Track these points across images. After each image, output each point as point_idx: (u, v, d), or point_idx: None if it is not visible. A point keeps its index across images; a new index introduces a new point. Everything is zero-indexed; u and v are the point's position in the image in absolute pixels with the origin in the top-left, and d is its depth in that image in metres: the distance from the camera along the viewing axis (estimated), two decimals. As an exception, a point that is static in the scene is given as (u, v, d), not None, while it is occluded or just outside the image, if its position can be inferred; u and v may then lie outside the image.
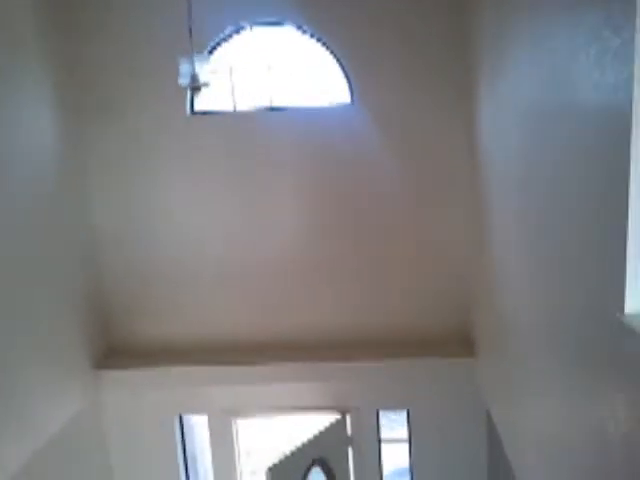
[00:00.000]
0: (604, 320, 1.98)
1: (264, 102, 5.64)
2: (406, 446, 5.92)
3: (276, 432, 8.75)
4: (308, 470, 5.56)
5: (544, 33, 2.69)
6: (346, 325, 5.75)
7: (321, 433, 5.64)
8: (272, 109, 5.60)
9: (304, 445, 5.51)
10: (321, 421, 5.74)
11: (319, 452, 5.63)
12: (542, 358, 3.03)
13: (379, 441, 5.90)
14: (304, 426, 6.36)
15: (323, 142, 5.49)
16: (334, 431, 5.74)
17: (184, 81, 3.91)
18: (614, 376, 1.95)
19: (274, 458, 5.33)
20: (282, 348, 5.72)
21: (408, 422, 5.85)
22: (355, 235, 5.63)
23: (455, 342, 5.63)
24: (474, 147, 4.97)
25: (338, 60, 5.41)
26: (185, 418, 6.06)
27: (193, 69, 3.83)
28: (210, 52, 5.38)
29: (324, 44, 5.40)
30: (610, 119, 1.87)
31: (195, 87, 3.92)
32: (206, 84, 3.95)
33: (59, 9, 5.22)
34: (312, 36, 5.42)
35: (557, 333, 2.69)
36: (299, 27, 5.41)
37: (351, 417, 5.82)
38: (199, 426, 6.32)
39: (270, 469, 5.21)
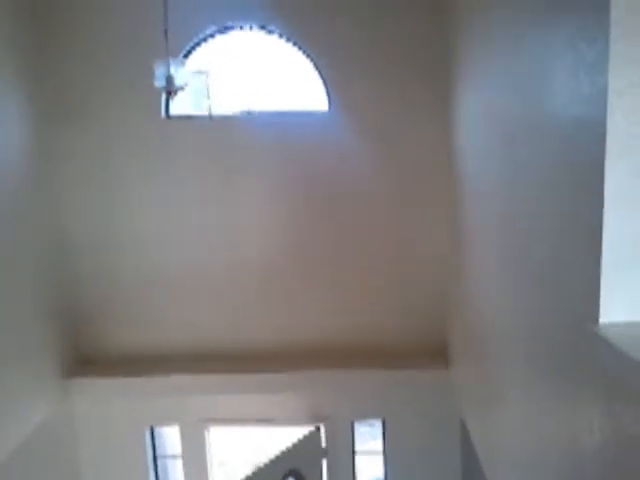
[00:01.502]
0: (578, 330, 1.96)
1: (241, 106, 5.59)
2: (381, 458, 5.87)
3: (250, 443, 8.64)
4: (282, 481, 5.48)
5: (522, 41, 2.69)
6: (322, 335, 5.69)
7: (295, 444, 5.57)
8: (249, 113, 5.55)
9: (278, 457, 5.43)
10: (296, 432, 5.67)
11: (293, 463, 5.55)
12: (516, 369, 3.01)
13: (353, 452, 5.84)
14: (278, 437, 6.27)
15: (301, 147, 5.45)
16: (308, 442, 5.67)
17: (159, 84, 3.86)
18: (589, 386, 1.93)
19: (248, 470, 5.24)
20: (255, 357, 5.64)
21: (383, 432, 5.80)
22: (332, 242, 5.59)
23: (430, 353, 5.60)
24: (453, 153, 4.97)
25: (315, 65, 5.39)
26: (157, 427, 5.94)
27: (168, 71, 3.78)
28: (186, 56, 5.32)
29: (302, 49, 5.38)
30: (585, 130, 1.87)
31: (171, 90, 3.86)
32: (181, 87, 3.90)
33: (30, 12, 5.12)
34: (289, 41, 5.39)
35: (531, 344, 2.67)
36: (275, 31, 5.38)
37: (326, 428, 5.76)
38: (171, 436, 6.20)
39: (243, 481, 5.12)
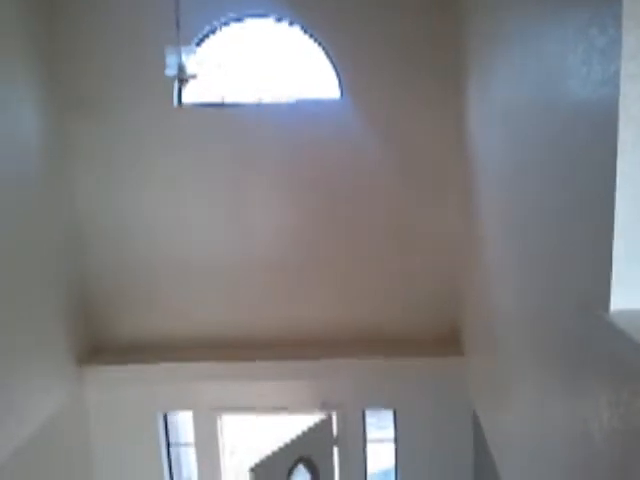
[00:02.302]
0: (589, 318, 1.95)
1: (253, 95, 5.58)
2: (392, 446, 5.89)
3: (262, 431, 8.70)
4: (293, 468, 5.51)
5: (532, 30, 2.66)
6: (333, 323, 5.70)
7: (306, 432, 5.59)
8: (261, 102, 5.54)
9: (289, 444, 5.46)
10: (307, 420, 5.70)
11: (304, 450, 5.58)
12: (527, 357, 3.00)
13: (364, 440, 5.86)
14: (290, 425, 6.30)
15: (312, 136, 5.44)
16: (320, 430, 5.70)
17: (171, 72, 3.87)
18: (598, 375, 1.92)
19: (258, 457, 5.27)
20: (268, 345, 5.67)
21: (395, 422, 5.81)
22: (343, 232, 5.59)
23: (443, 341, 5.60)
24: (463, 143, 4.95)
25: (327, 54, 5.37)
26: (169, 414, 5.99)
27: (180, 60, 3.79)
28: (198, 44, 5.32)
29: (314, 38, 5.36)
30: (597, 115, 1.85)
31: (182, 79, 3.87)
32: (193, 76, 3.90)
33: (42, 4, 5.14)
34: (302, 29, 5.37)
35: (542, 332, 2.66)
36: (289, 20, 5.36)
37: (337, 416, 5.78)
38: (183, 422, 6.25)
39: (253, 469, 5.14)
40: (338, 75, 5.37)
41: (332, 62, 5.37)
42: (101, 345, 5.83)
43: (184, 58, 3.78)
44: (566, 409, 2.34)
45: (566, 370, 2.31)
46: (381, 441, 6.25)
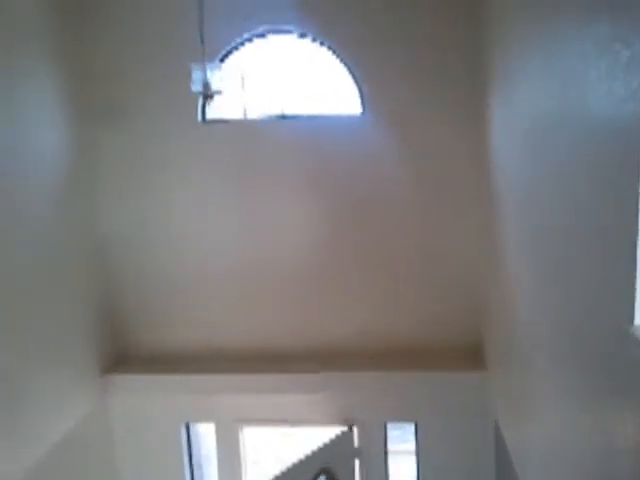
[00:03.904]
0: (614, 332, 1.95)
1: (275, 110, 5.65)
2: (413, 459, 5.86)
3: (283, 442, 8.70)
4: (314, 480, 5.52)
5: (555, 45, 2.68)
6: (355, 335, 5.71)
7: (327, 444, 5.59)
8: (283, 117, 5.61)
9: (310, 455, 5.46)
10: (328, 433, 5.70)
11: (325, 462, 5.57)
12: (551, 371, 2.99)
13: (386, 453, 5.84)
14: (311, 437, 6.30)
15: (334, 151, 5.49)
16: (341, 442, 5.69)
17: (196, 88, 3.94)
18: (624, 389, 1.92)
19: (279, 468, 5.28)
20: (290, 357, 5.70)
21: (416, 435, 5.79)
22: (364, 244, 5.61)
23: (464, 354, 5.57)
24: (485, 158, 4.95)
25: (349, 70, 5.42)
26: (192, 425, 6.04)
27: (205, 76, 3.86)
28: (222, 60, 5.41)
29: (336, 54, 5.42)
30: (620, 132, 1.86)
31: (207, 94, 3.94)
32: (218, 92, 3.98)
33: (72, 15, 5.27)
34: (324, 45, 5.43)
35: (567, 345, 2.66)
36: (311, 37, 5.43)
37: (358, 429, 5.77)
38: (206, 434, 6.29)
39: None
40: (360, 91, 5.42)
41: (354, 78, 5.42)
42: (125, 355, 5.90)
43: (209, 74, 3.86)
44: (591, 422, 2.33)
45: (591, 383, 2.31)
46: (402, 453, 6.23)
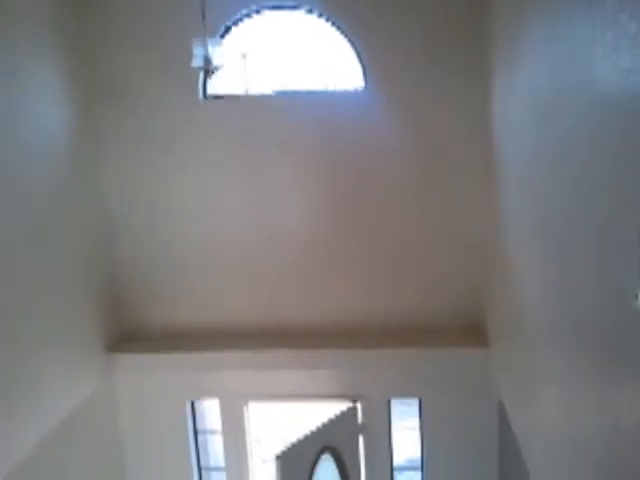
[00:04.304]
0: (619, 308, 1.93)
1: (277, 86, 5.60)
2: (417, 435, 5.90)
3: (287, 420, 8.77)
4: (318, 457, 5.56)
5: (560, 16, 2.63)
6: (359, 312, 5.72)
7: (332, 421, 5.63)
8: (285, 93, 5.55)
9: (314, 432, 5.50)
10: (332, 409, 5.73)
11: (329, 440, 5.62)
12: (556, 348, 2.98)
13: (390, 429, 5.88)
14: (315, 414, 6.34)
15: (336, 126, 5.44)
16: (345, 419, 5.73)
17: (197, 63, 3.90)
18: (628, 365, 1.90)
19: (283, 445, 5.33)
20: (294, 334, 5.71)
21: (420, 411, 5.82)
22: (367, 220, 5.59)
23: (468, 331, 5.58)
24: (489, 132, 4.90)
25: (352, 44, 5.34)
26: (197, 402, 6.08)
27: (206, 51, 3.81)
28: (222, 36, 5.34)
29: (338, 27, 5.34)
30: (626, 104, 1.82)
31: (208, 70, 3.90)
32: (219, 67, 3.93)
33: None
34: (327, 19, 5.35)
35: (572, 322, 2.64)
36: (313, 10, 5.35)
37: (362, 405, 5.80)
38: (211, 410, 6.34)
39: (278, 457, 5.20)
40: (362, 64, 5.36)
41: (357, 52, 5.35)
42: (130, 333, 5.92)
43: (210, 50, 3.81)
44: (594, 399, 2.32)
45: (595, 359, 2.30)
46: (407, 430, 6.27)
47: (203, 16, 4.03)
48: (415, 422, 5.95)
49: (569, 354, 2.72)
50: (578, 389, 2.59)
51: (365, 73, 5.35)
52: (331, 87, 5.51)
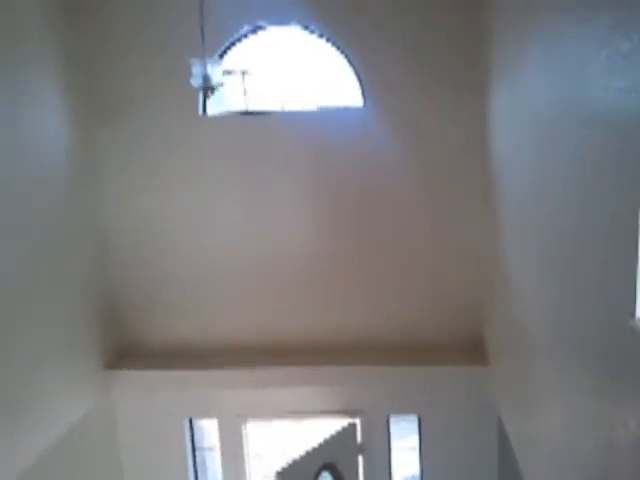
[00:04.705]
0: (616, 325, 1.94)
1: (276, 104, 5.64)
2: (416, 454, 5.86)
3: (286, 436, 8.71)
4: (317, 475, 5.52)
5: (556, 35, 2.67)
6: (358, 329, 5.71)
7: (331, 438, 5.60)
8: (284, 111, 5.59)
9: (314, 450, 5.47)
10: (331, 425, 5.70)
11: (329, 457, 5.58)
12: (554, 366, 2.98)
13: (389, 447, 5.85)
14: (314, 431, 6.31)
15: (335, 144, 5.47)
16: (344, 436, 5.70)
17: (196, 82, 3.92)
18: (625, 382, 1.91)
19: (283, 462, 5.30)
20: (292, 351, 5.69)
21: (419, 429, 5.79)
22: (367, 238, 5.60)
23: (468, 348, 5.56)
24: (489, 151, 4.93)
25: (350, 62, 5.39)
26: (195, 420, 6.05)
27: (205, 71, 3.84)
28: (222, 54, 5.38)
29: (336, 46, 5.39)
30: (621, 123, 1.84)
31: (207, 88, 3.93)
32: (218, 86, 3.96)
33: (73, 10, 5.24)
34: (324, 37, 5.40)
35: (569, 341, 2.65)
36: (310, 28, 5.40)
37: (361, 423, 5.78)
38: (209, 428, 6.31)
39: (279, 473, 5.18)
40: (361, 83, 5.40)
41: (355, 70, 5.40)
42: (128, 350, 5.90)
43: (209, 69, 3.84)
44: (593, 415, 2.32)
45: (593, 376, 2.30)
46: (406, 449, 6.24)
47: (202, 36, 4.07)
48: (414, 440, 5.92)
49: (568, 371, 2.72)
50: (577, 406, 2.59)
51: (363, 91, 5.39)
52: (330, 105, 5.53)
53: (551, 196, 2.90)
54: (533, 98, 3.24)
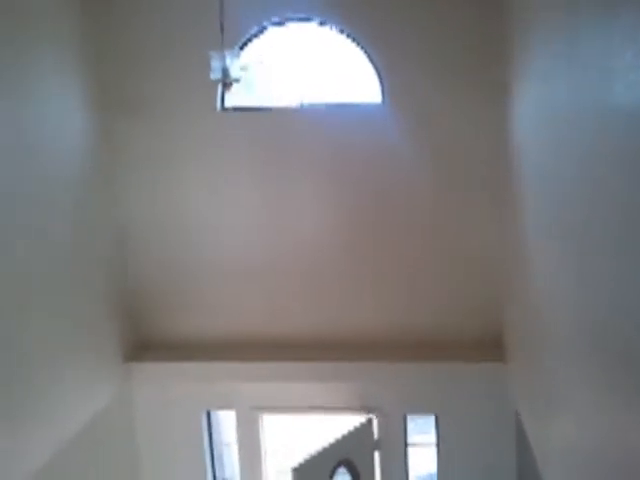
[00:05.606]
0: (637, 326, 1.90)
1: (294, 99, 5.63)
2: (434, 450, 5.83)
3: (303, 432, 8.72)
4: (334, 471, 5.51)
5: (580, 34, 2.62)
6: (375, 325, 5.69)
7: (347, 434, 5.59)
8: (302, 106, 5.58)
9: (330, 446, 5.46)
10: (348, 422, 5.69)
11: (345, 453, 5.57)
12: (577, 364, 2.93)
13: (406, 445, 5.82)
14: (331, 427, 6.30)
15: (353, 140, 5.45)
16: (361, 433, 5.69)
17: (215, 76, 3.92)
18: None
19: (300, 458, 5.30)
20: (311, 346, 5.69)
21: (436, 426, 5.75)
22: (383, 233, 5.57)
23: (486, 345, 5.51)
24: (507, 146, 4.87)
25: (370, 58, 5.36)
26: (213, 413, 6.08)
27: (224, 64, 3.84)
28: (241, 48, 5.38)
29: (356, 41, 5.36)
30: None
31: (226, 82, 3.92)
32: (237, 79, 3.95)
33: (91, 4, 5.27)
34: (344, 33, 5.38)
35: (590, 340, 2.60)
36: (330, 23, 5.38)
37: (378, 420, 5.75)
38: (226, 421, 6.33)
39: (295, 469, 5.18)
40: (380, 79, 5.36)
41: (374, 66, 5.36)
42: (148, 342, 5.95)
43: (228, 62, 3.83)
44: (613, 418, 2.28)
45: (616, 377, 2.25)
46: (423, 445, 6.20)
47: (221, 29, 4.06)
48: (431, 437, 5.88)
49: (588, 369, 2.67)
50: (597, 405, 2.54)
51: (382, 86, 5.36)
52: (349, 100, 5.51)
53: (572, 194, 2.86)
54: (556, 96, 3.19)
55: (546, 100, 3.46)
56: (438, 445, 5.77)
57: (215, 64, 3.88)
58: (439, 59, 5.24)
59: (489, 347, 5.49)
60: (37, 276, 4.37)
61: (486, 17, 5.08)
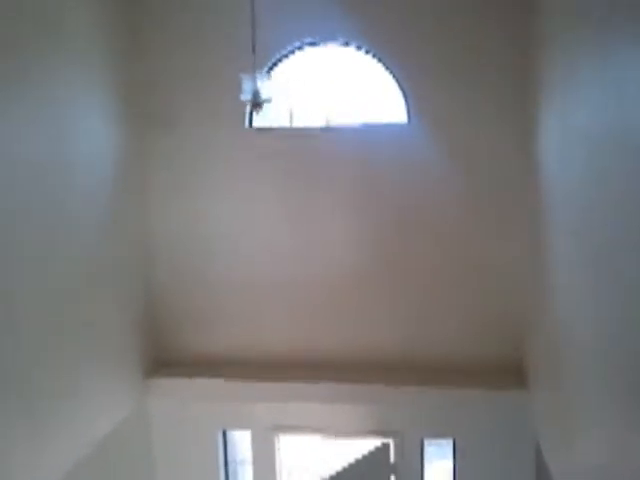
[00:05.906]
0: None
1: (321, 119, 5.68)
2: (450, 476, 5.75)
3: (318, 453, 8.66)
4: (349, 494, 5.47)
5: (612, 53, 2.62)
6: (394, 348, 5.66)
7: (363, 457, 5.54)
8: (329, 126, 5.62)
9: (345, 469, 5.42)
10: (364, 445, 5.64)
11: (361, 477, 5.52)
12: (603, 394, 2.89)
13: (422, 470, 5.75)
14: (347, 449, 6.26)
15: (380, 160, 5.48)
16: (377, 456, 5.63)
17: (246, 97, 3.98)
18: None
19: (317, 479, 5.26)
20: (329, 367, 5.68)
21: (454, 452, 5.68)
22: (406, 256, 5.56)
23: (506, 372, 5.45)
24: (536, 167, 4.86)
25: (396, 79, 5.40)
26: (229, 432, 6.06)
27: (255, 85, 3.90)
28: (270, 69, 5.46)
29: (382, 62, 5.41)
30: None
31: (256, 104, 3.97)
32: (267, 100, 4.01)
33: (123, 23, 5.37)
34: (370, 53, 5.43)
35: (620, 370, 2.57)
36: (355, 44, 5.44)
37: (395, 444, 5.70)
38: (242, 441, 6.30)
39: (311, 491, 5.14)
40: (406, 99, 5.40)
41: (400, 86, 5.40)
42: (167, 358, 5.96)
43: (259, 84, 3.89)
44: (644, 450, 2.24)
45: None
46: (439, 470, 6.12)
47: (253, 50, 4.12)
48: (448, 463, 5.81)
49: (614, 400, 2.64)
50: (623, 437, 2.50)
51: (408, 107, 5.39)
52: (375, 121, 5.55)
53: (603, 215, 2.83)
54: (586, 116, 3.18)
55: (577, 121, 3.44)
56: (454, 472, 5.69)
57: (246, 86, 3.94)
58: (465, 78, 5.26)
59: (510, 374, 5.43)
60: (58, 288, 4.40)
61: (513, 35, 5.09)
